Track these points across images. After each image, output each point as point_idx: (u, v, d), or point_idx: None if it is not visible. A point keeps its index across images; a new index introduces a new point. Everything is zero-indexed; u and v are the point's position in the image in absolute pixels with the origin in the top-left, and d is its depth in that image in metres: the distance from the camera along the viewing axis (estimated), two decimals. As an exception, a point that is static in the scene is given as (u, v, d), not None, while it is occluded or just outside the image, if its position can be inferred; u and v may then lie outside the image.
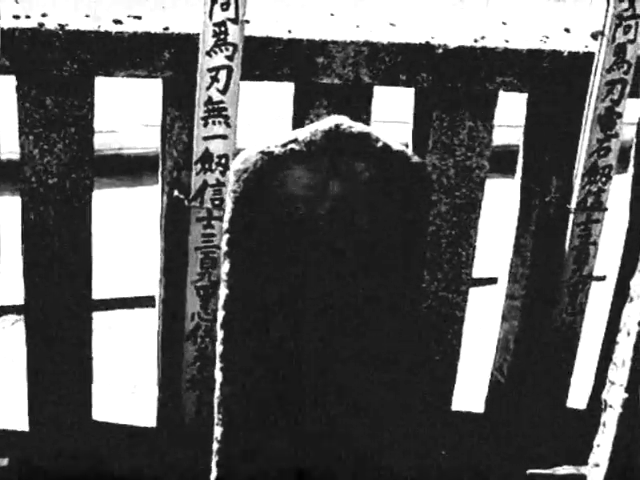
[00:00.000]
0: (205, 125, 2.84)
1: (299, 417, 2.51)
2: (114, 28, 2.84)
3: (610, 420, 2.79)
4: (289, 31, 2.91)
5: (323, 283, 2.43)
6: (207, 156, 2.89)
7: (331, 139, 2.32)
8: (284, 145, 2.31)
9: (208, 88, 2.80)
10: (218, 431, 2.46)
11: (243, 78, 2.83)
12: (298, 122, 3.03)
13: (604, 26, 2.95)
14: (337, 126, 2.32)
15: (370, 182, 2.38)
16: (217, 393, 2.44)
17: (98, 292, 3.30)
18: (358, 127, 2.34)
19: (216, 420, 2.46)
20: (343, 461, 2.59)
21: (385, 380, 2.53)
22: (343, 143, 2.33)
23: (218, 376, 2.43)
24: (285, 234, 2.37)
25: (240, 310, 2.39)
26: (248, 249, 2.35)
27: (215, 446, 2.48)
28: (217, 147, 2.87)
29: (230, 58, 2.77)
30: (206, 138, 2.87)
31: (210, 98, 2.81)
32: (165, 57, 2.84)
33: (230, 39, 2.76)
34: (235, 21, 2.74)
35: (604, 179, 3.15)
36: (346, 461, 2.59)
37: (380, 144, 2.36)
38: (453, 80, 3.02)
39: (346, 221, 2.39)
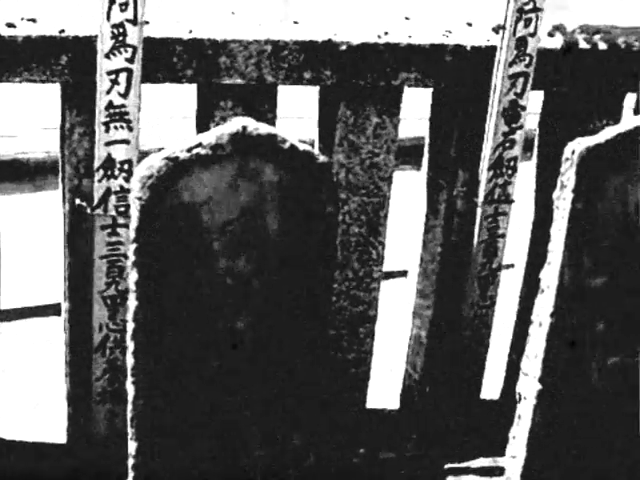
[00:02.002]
0: (107, 130, 2.76)
1: (215, 429, 2.46)
2: (7, 32, 2.74)
3: (525, 412, 2.81)
4: (190, 31, 2.85)
5: (235, 290, 2.39)
6: (109, 162, 2.81)
7: (238, 142, 2.28)
8: (189, 150, 2.26)
9: (108, 92, 2.72)
10: (132, 446, 2.40)
11: (144, 80, 2.76)
12: (202, 124, 2.98)
13: (505, 20, 2.96)
14: (244, 128, 2.28)
15: (278, 184, 2.35)
16: (130, 407, 2.38)
17: None
18: (265, 129, 2.30)
19: (130, 435, 2.40)
20: (262, 467, 2.56)
21: (297, 382, 2.51)
22: (250, 145, 2.29)
23: (130, 389, 2.37)
24: (194, 241, 2.32)
25: (150, 321, 2.33)
26: (157, 258, 2.29)
27: (130, 462, 2.42)
28: (120, 152, 2.80)
29: (130, 60, 2.70)
30: (108, 143, 2.79)
31: (111, 102, 2.73)
32: (62, 61, 2.76)
33: (129, 41, 2.69)
34: (134, 22, 2.67)
35: (510, 171, 3.17)
36: (264, 467, 2.56)
37: (287, 145, 2.33)
38: (358, 77, 3.00)
39: (256, 225, 2.36)
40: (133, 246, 2.28)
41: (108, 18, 2.66)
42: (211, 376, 2.44)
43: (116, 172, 2.82)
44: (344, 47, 2.96)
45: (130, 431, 2.41)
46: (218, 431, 2.50)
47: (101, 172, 2.81)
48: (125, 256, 2.88)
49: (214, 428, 2.49)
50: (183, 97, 3.56)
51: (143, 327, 2.34)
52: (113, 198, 2.85)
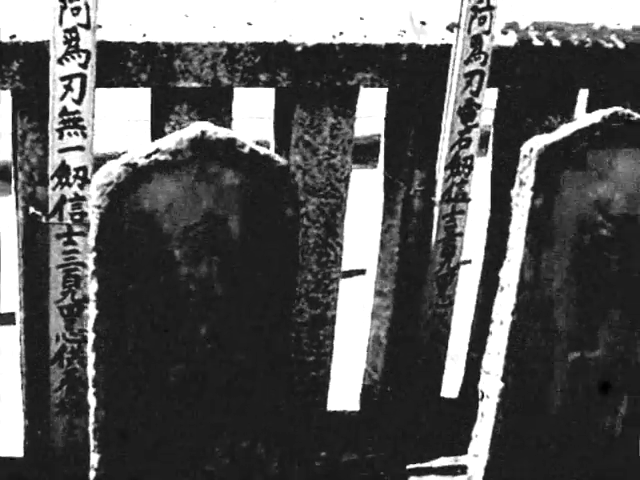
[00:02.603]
0: (60, 137, 2.71)
1: (179, 439, 2.43)
2: (-46, 38, 2.68)
3: (488, 410, 2.81)
4: (143, 35, 2.81)
5: (197, 296, 2.36)
6: (64, 169, 2.76)
7: (197, 147, 2.25)
8: (148, 156, 2.22)
9: (62, 98, 2.67)
10: (95, 458, 2.36)
11: (98, 85, 2.72)
12: (157, 128, 2.94)
13: (460, 18, 2.96)
14: (203, 133, 2.25)
15: (239, 188, 2.32)
16: (92, 418, 2.33)
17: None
18: (224, 133, 2.28)
19: (92, 447, 2.36)
20: (226, 476, 2.54)
21: (260, 387, 2.49)
22: (210, 150, 2.26)
23: (92, 401, 2.33)
24: (155, 248, 2.29)
25: (111, 331, 2.29)
26: (117, 267, 2.26)
27: (92, 474, 2.38)
28: (74, 159, 2.75)
29: (83, 65, 2.65)
30: (62, 150, 2.74)
31: (65, 108, 2.68)
32: (14, 67, 2.70)
33: (82, 45, 2.64)
34: (87, 26, 2.62)
35: (467, 170, 3.17)
36: (229, 475, 2.54)
37: (247, 149, 2.31)
38: (314, 78, 2.98)
39: (217, 230, 2.33)
40: (92, 255, 2.24)
41: (60, 23, 2.61)
42: (174, 384, 2.41)
43: (71, 179, 2.77)
44: (299, 48, 2.94)
45: (92, 443, 2.36)
46: (181, 440, 2.46)
47: (55, 180, 2.76)
48: (82, 265, 2.84)
49: (177, 437, 2.46)
50: (139, 99, 3.51)
51: (104, 337, 2.30)
52: (68, 206, 2.80)
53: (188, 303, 2.36)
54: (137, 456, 2.41)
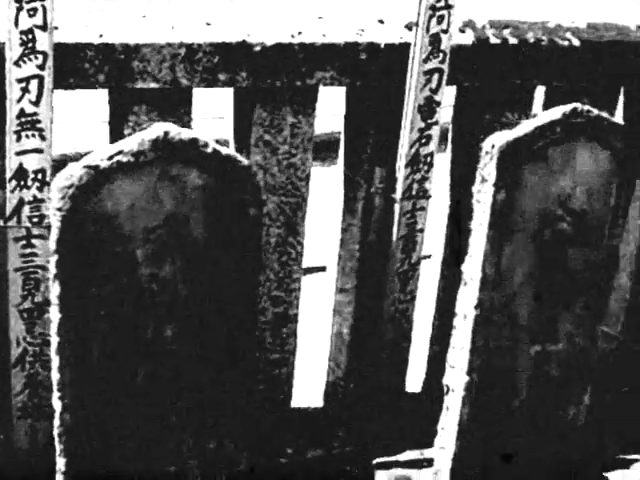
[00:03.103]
0: (18, 139, 2.68)
1: (146, 440, 2.42)
2: None
3: (453, 403, 2.83)
4: (100, 35, 2.79)
5: (160, 298, 2.35)
6: (22, 172, 2.73)
7: (159, 148, 2.24)
8: (110, 157, 2.21)
9: (19, 100, 2.64)
10: (61, 462, 2.35)
11: (56, 87, 2.69)
12: (116, 130, 2.92)
13: (418, 17, 2.97)
14: (165, 134, 2.24)
15: (202, 188, 2.32)
16: (57, 422, 2.32)
17: None
18: (186, 133, 2.27)
19: (58, 451, 2.34)
20: (194, 475, 2.53)
21: (224, 386, 2.49)
22: (172, 151, 2.25)
23: (57, 404, 2.31)
24: (118, 250, 2.27)
25: (75, 335, 2.27)
26: (79, 270, 2.24)
27: (59, 478, 2.36)
28: (32, 162, 2.72)
29: (41, 67, 2.62)
30: (19, 153, 2.70)
31: (22, 110, 2.65)
32: (-31, 70, 2.67)
33: (39, 47, 2.61)
34: (43, 28, 2.59)
35: (427, 167, 3.19)
36: (196, 474, 2.53)
37: (209, 149, 2.30)
38: (273, 77, 2.97)
39: (180, 231, 2.32)
40: (54, 258, 2.22)
41: (16, 24, 2.58)
42: (140, 386, 2.39)
43: (29, 182, 2.74)
44: (258, 48, 2.93)
45: (58, 447, 2.35)
46: (148, 441, 2.46)
47: (13, 182, 2.73)
48: (41, 268, 2.81)
49: (144, 439, 2.45)
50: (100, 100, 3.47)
51: (67, 341, 2.28)
52: (26, 209, 2.77)
53: (152, 304, 2.35)
54: (104, 459, 2.40)
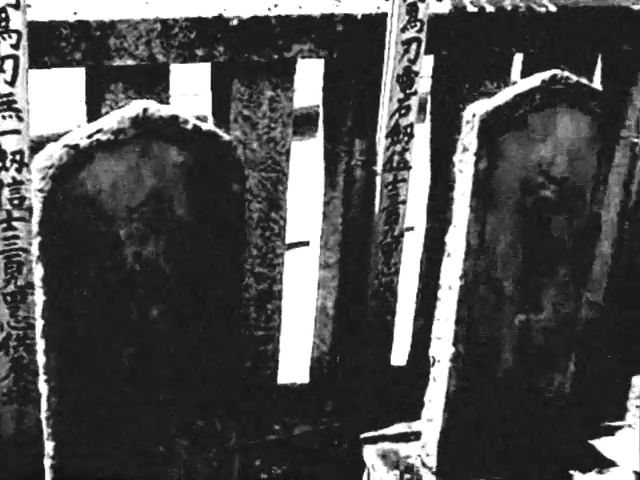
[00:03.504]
0: (-5, 120, 2.65)
1: (134, 421, 2.41)
2: None
3: (440, 375, 2.83)
4: (75, 13, 2.75)
5: (145, 277, 2.33)
6: (0, 153, 2.69)
7: (139, 125, 2.21)
8: (90, 136, 2.18)
9: (-6, 80, 2.61)
10: (49, 446, 2.33)
11: (32, 67, 2.66)
12: (93, 108, 2.89)
13: (395, -14, 2.96)
14: (144, 111, 2.21)
15: (183, 165, 2.29)
16: (44, 406, 2.29)
17: None
18: (166, 110, 2.24)
19: (46, 435, 2.32)
20: (182, 454, 2.52)
21: (210, 365, 2.47)
22: (152, 128, 2.22)
23: (44, 388, 2.28)
24: (101, 230, 2.25)
25: (60, 317, 2.25)
26: (62, 251, 2.21)
27: (47, 462, 2.34)
28: (10, 143, 2.68)
29: (15, 46, 2.59)
30: (-3, 134, 2.68)
31: (-2, 91, 2.62)
32: (-58, 51, 2.63)
33: (13, 26, 2.57)
34: (16, 6, 2.55)
35: (407, 138, 3.17)
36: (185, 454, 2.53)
37: (190, 126, 2.27)
38: (250, 51, 2.95)
39: (163, 209, 2.30)
40: (37, 240, 2.19)
41: (-11, 4, 2.55)
42: (126, 367, 2.37)
43: (7, 163, 2.71)
44: (235, 22, 2.91)
45: (46, 431, 2.33)
46: (137, 423, 2.44)
47: (-8, 165, 2.71)
48: (23, 250, 2.78)
49: (132, 420, 2.43)
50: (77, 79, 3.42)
51: (52, 324, 2.25)
52: (6, 191, 2.73)
53: (137, 284, 2.33)
54: (92, 441, 2.38)
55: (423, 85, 3.27)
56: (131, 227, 2.28)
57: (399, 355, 3.66)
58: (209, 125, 2.30)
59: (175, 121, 2.25)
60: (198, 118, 2.33)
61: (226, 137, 2.33)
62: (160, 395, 2.44)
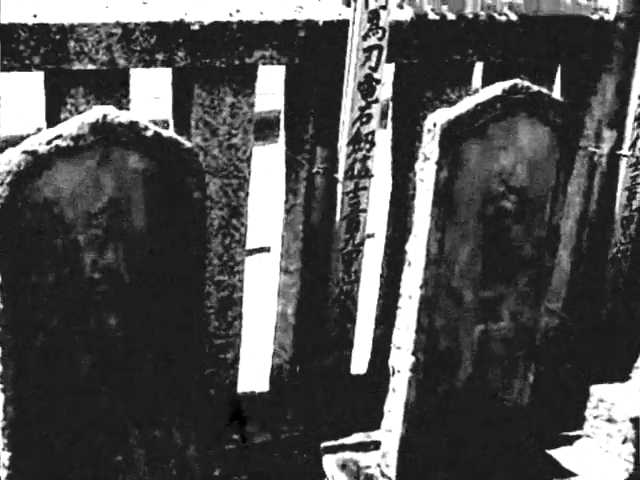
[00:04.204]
0: (-48, 124, 2.62)
1: (91, 431, 2.38)
2: None
3: (399, 385, 2.83)
4: (34, 15, 2.72)
5: (104, 286, 2.30)
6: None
7: (99, 131, 2.19)
8: (49, 142, 2.16)
9: (-49, 84, 2.57)
10: (5, 456, 2.29)
11: (-11, 70, 2.62)
12: (53, 112, 2.85)
13: (356, -7, 2.95)
14: (104, 117, 2.19)
15: (143, 172, 2.27)
16: (1, 416, 2.26)
17: None
18: (126, 116, 2.22)
19: (2, 445, 2.29)
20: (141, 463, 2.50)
21: (171, 374, 2.45)
22: (112, 134, 2.20)
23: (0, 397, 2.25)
24: (59, 237, 2.22)
25: (17, 325, 2.22)
26: (20, 258, 2.18)
27: (4, 473, 2.31)
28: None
29: (-28, 50, 2.56)
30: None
31: (-46, 95, 2.58)
32: None
33: (-30, 29, 2.54)
34: (-26, 9, 2.53)
35: (369, 146, 3.17)
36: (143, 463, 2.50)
37: (150, 132, 2.26)
38: (211, 57, 2.93)
39: (122, 216, 2.27)
40: (-7, 247, 2.16)
41: (-55, 5, 2.51)
42: (84, 375, 2.35)
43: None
44: (196, 27, 2.88)
45: (2, 441, 2.29)
46: (95, 433, 2.41)
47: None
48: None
49: (91, 430, 2.40)
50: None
51: (9, 332, 2.22)
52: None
53: (95, 292, 2.30)
54: (50, 451, 2.35)
55: (386, 91, 3.28)
56: (90, 234, 2.25)
57: (360, 363, 3.66)
58: (169, 132, 2.29)
59: (135, 127, 2.23)
60: (156, 123, 2.31)
61: (187, 144, 2.32)
62: (118, 404, 2.42)
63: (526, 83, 2.68)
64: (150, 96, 5.29)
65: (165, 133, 2.27)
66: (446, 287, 2.76)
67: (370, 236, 3.55)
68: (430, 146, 2.62)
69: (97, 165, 2.20)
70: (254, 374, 3.58)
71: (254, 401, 3.49)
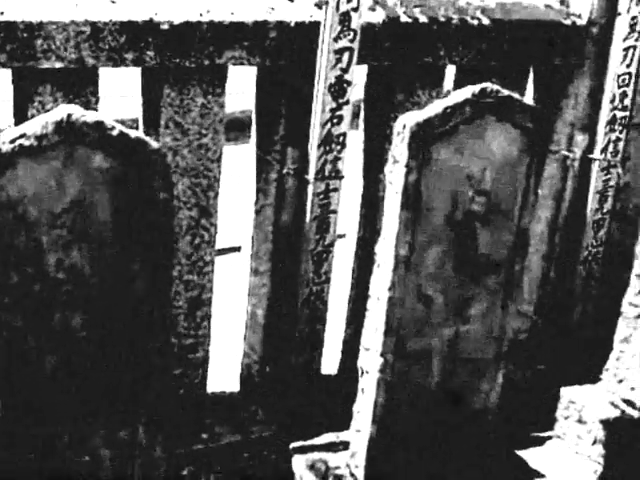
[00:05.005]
0: None
1: (56, 430, 2.37)
2: None
3: (368, 386, 2.83)
4: (1, 13, 2.70)
5: (68, 286, 2.29)
6: None
7: (64, 131, 2.18)
8: (12, 141, 2.14)
9: None
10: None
11: (-44, 68, 2.61)
12: (20, 112, 2.84)
13: (328, -5, 2.95)
14: (69, 116, 2.18)
15: (109, 172, 2.26)
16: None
17: None
18: (92, 116, 2.21)
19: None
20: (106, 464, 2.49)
21: (137, 372, 2.44)
22: (77, 134, 2.19)
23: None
24: (23, 236, 2.20)
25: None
26: (-17, 257, 2.17)
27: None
28: None
29: (-62, 47, 2.54)
30: None
31: None
32: None
33: (-64, 26, 2.52)
34: (-60, 6, 2.51)
35: (339, 147, 3.16)
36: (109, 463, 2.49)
37: (116, 132, 2.24)
38: (181, 57, 2.92)
39: (88, 215, 2.26)
40: (-44, 246, 2.15)
41: None
42: (49, 376, 2.34)
43: None
44: (166, 26, 2.87)
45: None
46: (60, 433, 2.40)
47: None
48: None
49: (55, 429, 2.39)
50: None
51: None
52: None
53: (59, 292, 2.29)
54: (15, 451, 2.33)
55: (358, 92, 3.28)
56: (54, 234, 2.24)
57: (331, 364, 3.65)
58: (136, 132, 2.28)
59: (100, 127, 2.22)
60: (124, 123, 2.30)
61: (153, 144, 2.30)
62: (84, 404, 2.41)
63: (496, 87, 2.68)
64: (128, 95, 5.27)
65: (131, 133, 2.26)
66: (415, 289, 2.76)
67: (341, 237, 3.56)
68: (399, 149, 2.62)
69: (62, 164, 2.19)
70: (224, 374, 3.58)
71: (224, 401, 3.48)
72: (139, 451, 2.50)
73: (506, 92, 2.68)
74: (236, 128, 4.95)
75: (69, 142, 2.18)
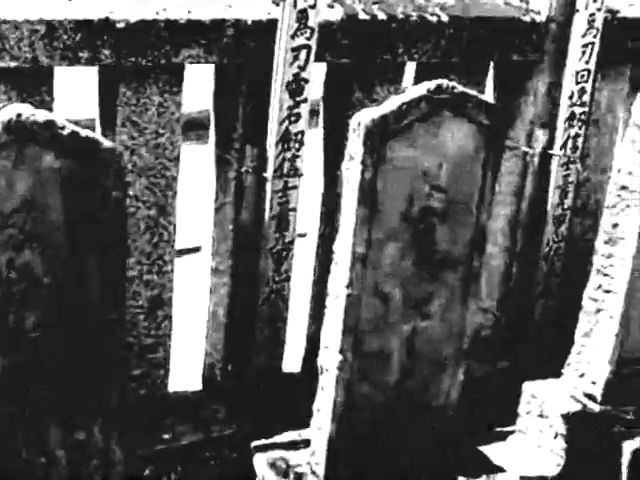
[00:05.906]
0: None
1: (12, 436, 2.35)
2: None
3: (328, 384, 2.83)
4: (-47, 12, 2.69)
5: (21, 287, 2.28)
6: None
7: (13, 130, 2.17)
8: (-39, 141, 2.13)
9: None
10: None
11: None
12: (-26, 111, 2.81)
13: (285, -8, 2.95)
14: (18, 115, 2.17)
15: (60, 172, 2.25)
16: None
17: None
18: (42, 115, 2.20)
19: None
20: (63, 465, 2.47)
21: (95, 373, 2.43)
22: (27, 133, 2.18)
23: None
24: (-27, 237, 2.19)
25: None
26: None
27: None
28: None
29: None
30: None
31: None
32: None
33: None
34: None
35: (297, 145, 3.16)
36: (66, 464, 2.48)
37: (67, 131, 2.23)
38: (137, 55, 2.90)
39: (39, 215, 2.25)
40: None
41: None
42: (2, 376, 2.32)
43: None
44: (122, 25, 2.86)
45: None
46: (15, 434, 2.39)
47: None
48: None
49: (11, 430, 2.38)
50: None
51: None
52: None
53: (12, 292, 2.27)
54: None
55: (317, 90, 3.27)
56: (5, 234, 2.23)
57: (293, 362, 3.65)
58: (87, 131, 2.26)
59: (51, 126, 2.21)
60: (77, 123, 2.29)
61: (106, 143, 2.30)
62: (38, 405, 2.39)
63: (451, 83, 2.69)
64: (86, 94, 5.24)
65: (82, 132, 2.25)
66: (373, 286, 2.76)
67: (302, 235, 3.56)
68: (355, 146, 2.62)
69: (12, 164, 2.18)
70: (186, 374, 3.57)
71: (185, 401, 3.47)
72: (95, 452, 2.50)
73: (461, 88, 2.69)
74: (197, 128, 4.93)
75: (19, 142, 2.16)
